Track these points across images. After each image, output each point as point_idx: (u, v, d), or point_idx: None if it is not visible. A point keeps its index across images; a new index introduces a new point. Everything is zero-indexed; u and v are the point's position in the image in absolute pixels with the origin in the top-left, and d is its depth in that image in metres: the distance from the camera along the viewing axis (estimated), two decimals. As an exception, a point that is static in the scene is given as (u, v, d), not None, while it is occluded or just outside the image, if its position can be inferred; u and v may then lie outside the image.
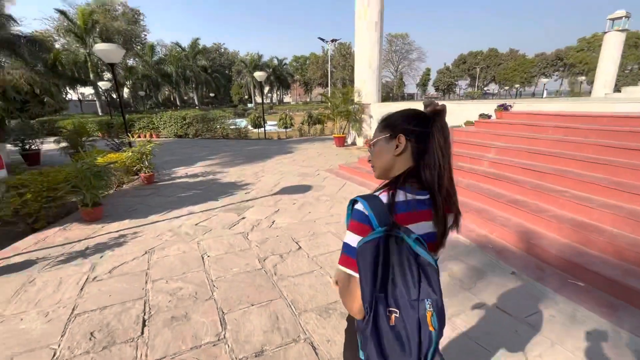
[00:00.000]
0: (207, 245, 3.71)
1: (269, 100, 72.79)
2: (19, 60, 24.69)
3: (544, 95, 50.87)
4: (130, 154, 6.30)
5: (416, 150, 0.90)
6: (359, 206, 0.84)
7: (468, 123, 7.17)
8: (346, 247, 0.86)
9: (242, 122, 15.79)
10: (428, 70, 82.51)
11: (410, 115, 0.93)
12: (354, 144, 11.81)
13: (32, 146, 9.04)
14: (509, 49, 71.74)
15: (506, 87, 70.16)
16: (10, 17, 24.21)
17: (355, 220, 0.84)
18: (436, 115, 0.88)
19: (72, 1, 41.68)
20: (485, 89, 77.89)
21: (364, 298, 0.79)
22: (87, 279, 3.01)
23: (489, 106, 7.29)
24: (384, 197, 0.86)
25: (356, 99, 11.15)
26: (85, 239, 3.96)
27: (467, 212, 4.26)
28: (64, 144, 8.31)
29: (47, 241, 3.90)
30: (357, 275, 0.82)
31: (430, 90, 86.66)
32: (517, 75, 64.51)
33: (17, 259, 3.45)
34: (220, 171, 7.80)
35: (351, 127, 11.24)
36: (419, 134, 0.89)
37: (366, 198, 0.84)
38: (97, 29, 30.77)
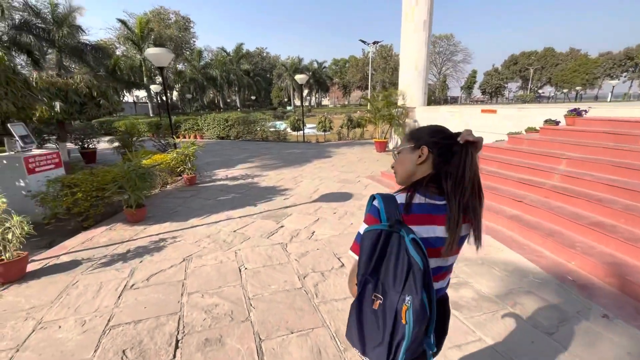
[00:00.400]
0: (244, 255, 3.53)
1: (307, 103, 73.59)
2: (84, 65, 27.16)
3: (609, 98, 45.80)
4: (174, 155, 6.42)
5: (437, 161, 0.96)
6: (375, 202, 0.94)
7: (530, 130, 6.40)
8: (357, 235, 0.97)
9: (282, 125, 15.87)
10: (474, 72, 78.49)
11: (435, 130, 1.00)
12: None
13: (90, 145, 9.70)
14: (569, 48, 65.84)
15: (564, 90, 64.28)
16: (79, 28, 26.71)
17: (370, 214, 0.95)
18: (468, 144, 0.92)
19: (132, 11, 45.36)
20: (539, 91, 72.18)
21: (357, 276, 0.91)
22: (125, 285, 2.94)
23: (555, 111, 6.45)
24: (400, 197, 0.95)
25: (400, 103, 10.63)
26: (128, 240, 3.98)
27: (532, 231, 3.68)
28: (116, 144, 8.78)
29: (93, 241, 3.97)
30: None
31: (476, 93, 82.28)
32: (578, 77, 58.85)
33: (65, 258, 3.52)
34: (259, 174, 7.74)
35: (393, 131, 10.72)
36: (442, 146, 0.96)
37: (383, 196, 0.94)
38: (152, 37, 33.05)
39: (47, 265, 3.37)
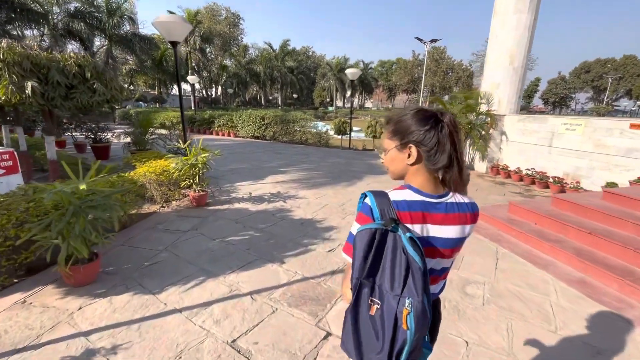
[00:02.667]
0: None
1: (350, 105, 71.28)
2: (132, 55, 27.09)
3: None
4: (179, 164, 4.54)
5: (428, 155, 0.89)
6: (367, 200, 0.90)
7: None
8: (349, 235, 0.91)
9: (324, 127, 13.79)
10: (537, 80, 71.19)
11: (421, 119, 0.89)
12: (470, 167, 8.66)
13: (103, 138, 8.31)
14: (657, 57, 57.03)
15: (649, 104, 55.69)
16: (130, 18, 26.73)
17: (361, 212, 0.90)
18: (444, 113, 0.89)
19: (186, 5, 46.07)
20: (612, 104, 63.51)
21: (351, 280, 0.85)
22: None
23: None
24: (393, 194, 0.90)
25: (483, 109, 8.04)
26: (42, 332, 2.07)
27: None
28: (127, 139, 7.22)
29: (-29, 335, 2.10)
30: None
31: (537, 102, 74.68)
32: (669, 90, 50.44)
33: None
34: (293, 195, 5.67)
35: (472, 145, 8.15)
36: (432, 138, 0.87)
37: (374, 193, 0.90)
38: (199, 29, 32.75)
39: None
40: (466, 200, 0.95)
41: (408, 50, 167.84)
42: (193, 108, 32.09)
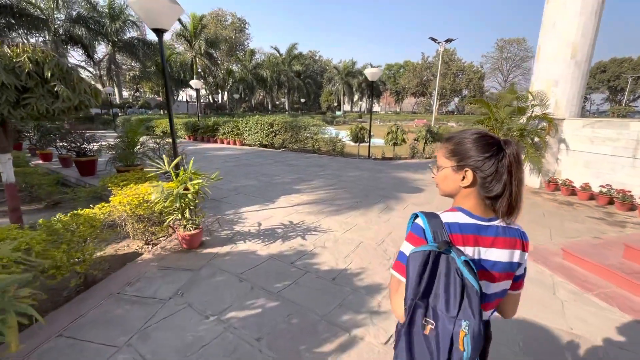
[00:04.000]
0: None
1: (358, 109, 70.03)
2: (135, 60, 26.38)
3: None
4: (161, 194, 3.28)
5: (483, 182, 0.89)
6: (418, 220, 0.91)
7: None
8: (400, 254, 0.93)
9: (339, 133, 12.52)
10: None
11: (483, 145, 0.89)
12: (518, 182, 7.27)
13: (88, 152, 7.14)
14: (680, 54, 54.68)
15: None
16: (134, 23, 26.02)
17: (412, 232, 0.91)
18: (509, 143, 0.89)
19: (192, 11, 45.51)
20: (630, 104, 61.10)
21: (405, 301, 0.84)
22: None
23: None
24: (444, 215, 0.91)
25: (537, 112, 6.68)
26: None
27: None
28: (112, 153, 6.04)
29: None
30: (404, 280, 0.87)
31: (550, 104, 72.38)
32: (695, 89, 48.07)
33: None
34: (314, 227, 4.38)
35: (524, 155, 6.77)
36: (490, 166, 0.87)
37: (426, 214, 0.91)
38: (204, 33, 31.97)
39: None
40: (514, 226, 0.94)
41: (414, 53, 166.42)
42: (198, 114, 31.24)
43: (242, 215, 4.83)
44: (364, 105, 71.97)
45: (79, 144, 7.11)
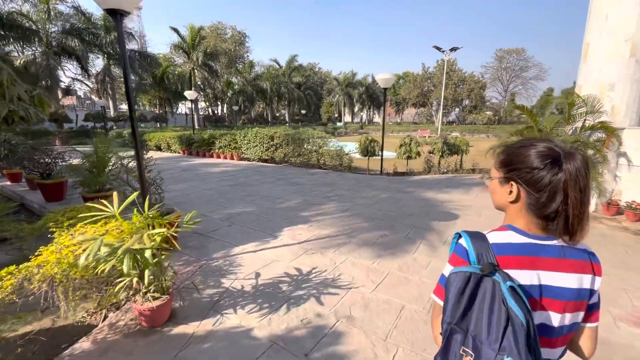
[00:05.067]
0: None
1: (358, 120, 69.43)
2: (131, 72, 25.48)
3: None
4: (98, 250, 2.09)
5: (531, 199, 0.78)
6: (462, 241, 0.83)
7: None
8: (441, 277, 0.86)
9: (346, 146, 11.40)
10: (550, 90, 68.91)
11: (537, 156, 0.77)
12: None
13: (54, 173, 5.99)
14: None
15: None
16: (130, 34, 25.32)
17: (455, 254, 0.83)
18: (571, 156, 0.74)
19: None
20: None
21: (442, 325, 0.77)
22: None
23: None
24: (493, 235, 0.82)
25: (591, 121, 5.57)
26: None
27: None
28: (76, 178, 4.89)
29: None
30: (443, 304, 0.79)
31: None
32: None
33: None
34: (332, 279, 3.19)
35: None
36: (540, 181, 0.75)
37: (470, 234, 0.82)
38: (203, 45, 31.38)
39: None
40: (580, 245, 0.80)
41: (412, 64, 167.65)
42: (193, 127, 30.30)
43: (235, 259, 3.65)
44: (364, 116, 71.46)
45: (44, 163, 5.98)
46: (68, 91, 31.75)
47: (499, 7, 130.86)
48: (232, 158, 13.13)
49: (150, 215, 2.31)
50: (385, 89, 9.02)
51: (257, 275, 3.25)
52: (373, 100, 61.97)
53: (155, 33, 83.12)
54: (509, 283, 0.70)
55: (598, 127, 5.40)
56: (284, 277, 3.22)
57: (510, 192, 0.81)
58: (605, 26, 5.59)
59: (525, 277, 0.76)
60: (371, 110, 68.73)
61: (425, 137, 28.19)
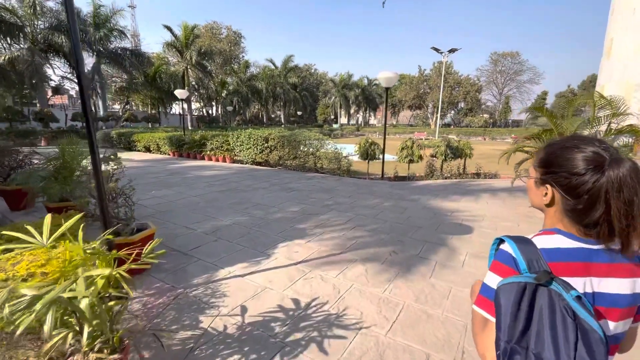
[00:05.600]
0: None
1: (354, 122, 69.05)
2: (122, 71, 24.81)
3: None
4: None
5: (567, 203, 0.73)
6: (505, 247, 0.75)
7: None
8: (485, 288, 0.76)
9: (345, 148, 10.81)
10: (544, 93, 69.42)
11: (580, 159, 0.69)
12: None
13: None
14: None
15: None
16: (121, 32, 24.58)
17: (499, 261, 0.75)
18: (618, 162, 0.66)
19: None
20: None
21: (496, 345, 0.69)
22: None
23: None
24: (540, 240, 0.74)
25: (616, 124, 5.08)
26: None
27: None
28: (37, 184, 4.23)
29: None
30: (493, 319, 0.72)
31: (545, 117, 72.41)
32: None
33: None
34: (336, 315, 2.60)
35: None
36: (578, 187, 0.69)
37: (515, 239, 0.75)
38: (197, 44, 30.66)
39: None
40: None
41: (408, 67, 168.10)
42: (184, 127, 29.47)
43: (219, 286, 3.04)
44: (360, 118, 71.14)
45: (8, 166, 5.31)
46: (58, 90, 30.87)
47: (493, 10, 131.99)
48: (224, 160, 12.49)
49: (92, 248, 1.69)
50: (387, 88, 8.48)
51: (244, 310, 2.65)
52: (369, 102, 61.70)
53: (150, 32, 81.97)
54: (573, 292, 0.64)
55: (626, 130, 4.90)
56: (278, 312, 2.63)
57: (545, 194, 0.76)
58: (632, 20, 5.09)
59: (579, 285, 0.70)
60: (367, 112, 68.45)
61: (422, 139, 27.78)
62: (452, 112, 68.24)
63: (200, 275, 3.24)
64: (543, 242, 0.73)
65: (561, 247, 0.72)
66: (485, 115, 56.51)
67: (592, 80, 62.17)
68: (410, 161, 9.84)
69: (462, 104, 64.88)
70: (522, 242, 0.73)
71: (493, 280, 0.74)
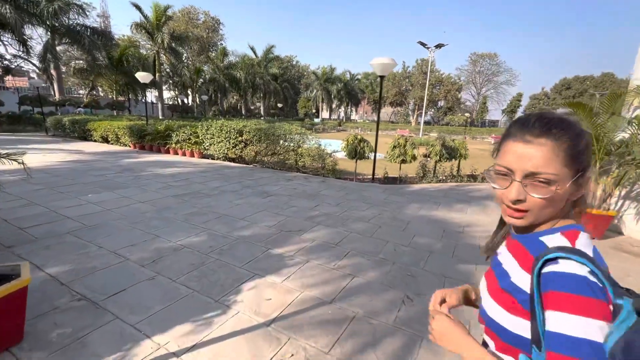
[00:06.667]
0: None
1: (336, 116, 67.98)
2: (80, 50, 22.22)
3: None
4: None
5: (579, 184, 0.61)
6: (572, 268, 0.52)
7: None
8: (576, 343, 0.47)
9: (330, 144, 9.61)
10: (519, 95, 71.34)
11: (585, 132, 0.60)
12: (615, 229, 4.73)
13: None
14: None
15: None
16: (80, 8, 22.02)
17: (593, 298, 0.49)
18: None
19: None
20: (595, 121, 63.74)
21: None
22: None
23: None
24: (582, 245, 0.57)
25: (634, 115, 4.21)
26: None
27: None
28: None
29: None
30: None
31: (520, 117, 74.84)
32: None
33: None
34: None
35: (618, 184, 4.24)
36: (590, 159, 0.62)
37: (579, 253, 0.53)
38: (169, 26, 28.27)
39: None
40: None
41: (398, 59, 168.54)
42: (147, 116, 27.19)
43: (133, 381, 1.79)
44: (342, 113, 70.15)
45: None
46: (8, 70, 27.56)
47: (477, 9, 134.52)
48: (192, 155, 10.96)
49: None
50: (381, 77, 7.34)
51: None
52: (351, 97, 60.76)
53: (123, 14, 76.59)
54: None
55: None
56: None
57: (581, 186, 0.63)
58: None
59: None
60: (349, 107, 67.54)
61: (405, 136, 27.11)
62: (432, 110, 68.74)
63: (109, 354, 1.96)
64: (585, 246, 0.57)
65: (597, 250, 0.58)
66: (467, 114, 57.12)
67: (564, 84, 64.40)
68: (403, 161, 8.81)
69: (442, 103, 65.45)
70: (587, 256, 0.53)
71: (595, 330, 0.47)
